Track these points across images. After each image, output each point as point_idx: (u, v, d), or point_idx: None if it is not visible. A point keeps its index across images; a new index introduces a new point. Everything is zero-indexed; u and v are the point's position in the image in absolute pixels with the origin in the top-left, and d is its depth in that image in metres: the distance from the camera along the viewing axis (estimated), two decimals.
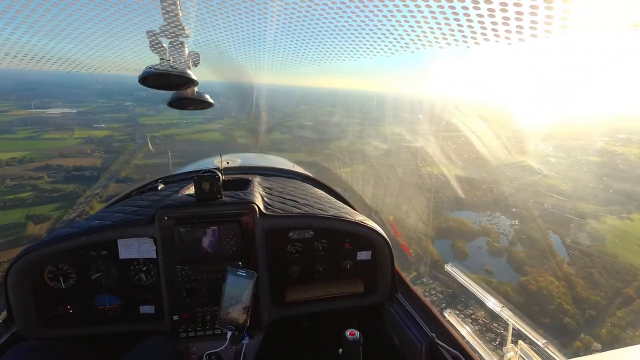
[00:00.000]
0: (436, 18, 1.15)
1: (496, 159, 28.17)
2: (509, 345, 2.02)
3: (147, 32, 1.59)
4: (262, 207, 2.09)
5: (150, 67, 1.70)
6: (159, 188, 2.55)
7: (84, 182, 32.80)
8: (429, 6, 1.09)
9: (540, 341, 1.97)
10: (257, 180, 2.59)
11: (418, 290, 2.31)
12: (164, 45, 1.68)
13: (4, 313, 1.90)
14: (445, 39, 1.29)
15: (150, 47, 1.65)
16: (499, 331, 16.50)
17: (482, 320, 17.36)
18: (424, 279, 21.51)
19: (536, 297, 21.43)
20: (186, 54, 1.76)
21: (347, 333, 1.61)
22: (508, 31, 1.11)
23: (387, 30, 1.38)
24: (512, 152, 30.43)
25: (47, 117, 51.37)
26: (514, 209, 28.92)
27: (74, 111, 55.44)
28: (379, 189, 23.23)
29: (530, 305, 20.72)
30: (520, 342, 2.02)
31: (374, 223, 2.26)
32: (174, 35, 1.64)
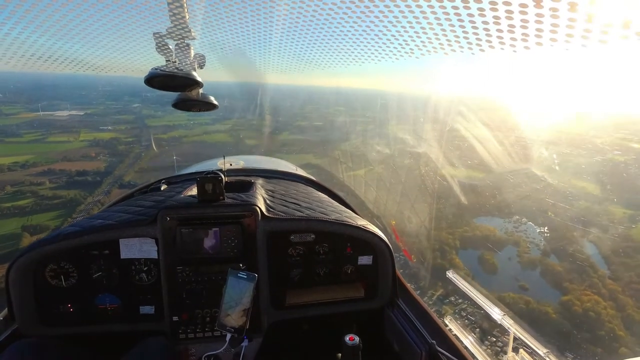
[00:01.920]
0: (441, 25, 1.14)
1: (512, 162, 26.91)
2: (510, 353, 1.99)
3: (154, 34, 1.60)
4: (264, 210, 2.09)
5: (156, 68, 1.72)
6: (162, 188, 2.56)
7: (86, 188, 32.32)
8: (434, 13, 1.09)
9: (541, 350, 1.94)
10: (259, 182, 2.59)
11: (419, 296, 2.28)
12: (170, 47, 1.70)
13: (5, 311, 1.91)
14: (450, 45, 1.28)
15: (156, 48, 1.67)
16: None
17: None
18: (452, 298, 19.80)
19: (583, 320, 18.81)
20: (192, 56, 1.78)
21: (347, 338, 1.59)
22: (513, 39, 1.10)
23: (392, 35, 1.38)
24: (527, 154, 29.17)
25: (55, 119, 51.75)
26: (544, 215, 26.89)
27: (82, 113, 55.86)
28: (382, 193, 22.77)
29: (578, 332, 18.15)
30: (521, 350, 1.99)
31: (375, 227, 2.25)
32: (180, 37, 1.66)
